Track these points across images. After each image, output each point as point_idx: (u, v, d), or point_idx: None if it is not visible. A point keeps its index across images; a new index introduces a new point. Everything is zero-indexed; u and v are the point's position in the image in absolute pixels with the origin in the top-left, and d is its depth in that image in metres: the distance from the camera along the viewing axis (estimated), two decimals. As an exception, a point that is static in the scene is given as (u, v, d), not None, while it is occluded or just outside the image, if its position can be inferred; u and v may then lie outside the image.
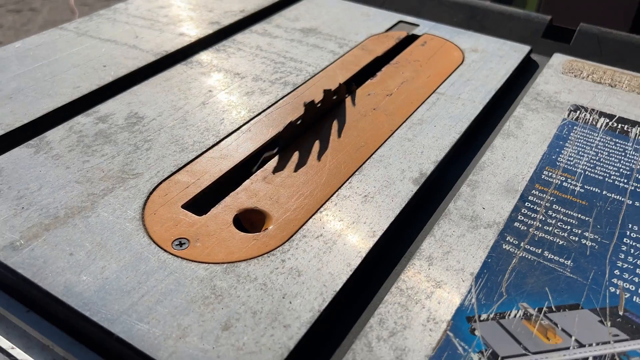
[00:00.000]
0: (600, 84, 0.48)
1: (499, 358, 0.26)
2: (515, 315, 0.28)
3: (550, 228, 0.33)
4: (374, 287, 0.30)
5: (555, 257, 0.31)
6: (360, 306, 0.29)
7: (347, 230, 0.32)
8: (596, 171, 0.38)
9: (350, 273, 0.29)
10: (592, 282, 0.30)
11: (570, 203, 0.35)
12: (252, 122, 0.41)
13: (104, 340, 0.26)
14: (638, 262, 0.31)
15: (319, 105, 0.41)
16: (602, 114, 0.44)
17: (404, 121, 0.42)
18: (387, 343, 0.26)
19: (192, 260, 0.29)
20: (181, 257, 0.30)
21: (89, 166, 0.36)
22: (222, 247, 0.30)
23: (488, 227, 0.33)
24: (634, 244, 0.32)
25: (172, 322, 0.26)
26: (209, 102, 0.43)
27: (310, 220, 0.33)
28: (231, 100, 0.44)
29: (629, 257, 0.31)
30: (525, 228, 0.33)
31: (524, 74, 0.52)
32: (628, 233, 0.33)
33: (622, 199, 0.35)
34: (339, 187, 0.35)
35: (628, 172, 0.38)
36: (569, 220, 0.34)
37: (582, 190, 0.36)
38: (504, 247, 0.31)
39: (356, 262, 0.30)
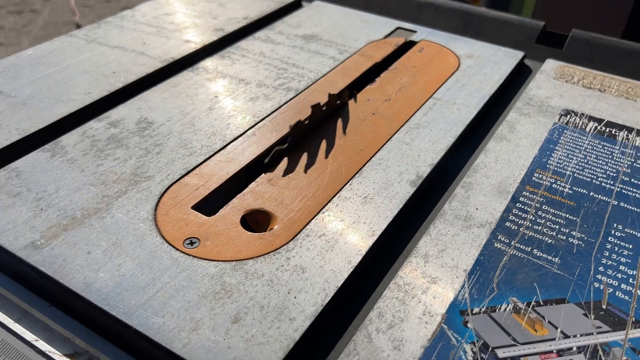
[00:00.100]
0: (590, 89, 0.50)
1: (490, 348, 0.28)
2: (505, 309, 0.30)
3: (540, 227, 0.35)
4: (373, 283, 0.32)
5: (543, 255, 0.33)
6: (360, 301, 0.31)
7: (348, 230, 0.34)
8: (584, 173, 0.40)
9: (351, 270, 0.31)
10: (577, 278, 0.32)
11: (559, 204, 0.37)
12: (256, 126, 0.43)
13: (121, 332, 0.28)
14: (621, 260, 0.33)
15: (324, 108, 0.43)
16: (591, 118, 0.46)
17: (402, 125, 0.44)
18: (386, 334, 0.28)
19: (203, 258, 0.31)
20: (192, 255, 0.32)
21: (102, 169, 0.38)
22: (231, 246, 0.32)
23: (481, 227, 0.35)
24: (618, 242, 0.34)
25: (185, 315, 0.28)
26: (216, 107, 0.45)
27: (313, 220, 0.34)
28: (236, 105, 0.46)
29: (613, 255, 0.33)
30: (516, 227, 0.35)
31: (517, 79, 0.54)
32: (613, 232, 0.35)
33: (608, 200, 0.37)
34: (340, 189, 0.37)
35: (614, 174, 0.40)
36: (557, 220, 0.36)
37: (570, 192, 0.38)
38: (495, 245, 0.33)
39: (356, 259, 0.32)
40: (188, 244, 0.32)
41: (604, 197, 0.37)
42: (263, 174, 0.38)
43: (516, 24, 0.62)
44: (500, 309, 0.30)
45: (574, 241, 0.34)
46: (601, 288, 0.31)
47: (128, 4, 2.29)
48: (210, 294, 0.29)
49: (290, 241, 0.33)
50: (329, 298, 0.29)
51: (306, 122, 0.42)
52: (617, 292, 0.31)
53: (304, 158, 0.40)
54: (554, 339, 0.28)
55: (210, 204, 0.36)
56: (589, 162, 0.41)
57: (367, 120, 0.44)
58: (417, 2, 0.66)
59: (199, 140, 0.41)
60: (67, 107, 0.44)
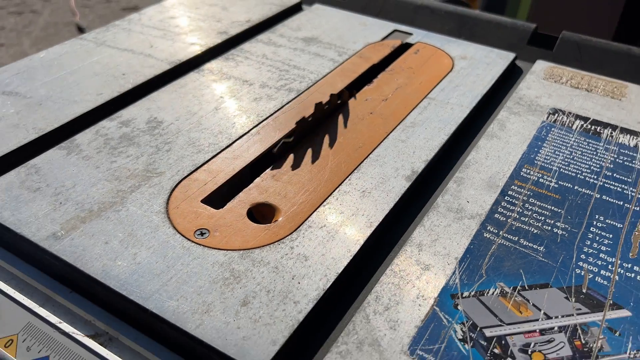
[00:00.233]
0: (578, 88, 0.52)
1: (478, 328, 0.30)
2: (493, 293, 0.32)
3: (526, 219, 0.37)
4: (371, 269, 0.35)
5: (529, 244, 0.35)
6: (359, 286, 0.34)
7: (347, 222, 0.36)
8: (570, 169, 0.42)
9: (350, 258, 0.34)
10: (561, 265, 0.34)
11: (545, 197, 0.39)
12: (260, 125, 0.46)
13: (139, 315, 0.31)
14: (602, 248, 0.35)
15: (326, 106, 0.46)
16: (577, 117, 0.48)
17: (398, 124, 0.46)
18: (383, 316, 0.30)
19: (213, 248, 0.34)
20: (203, 245, 0.34)
21: (116, 166, 0.40)
22: (238, 236, 0.35)
23: (471, 218, 0.37)
24: (599, 232, 0.36)
25: (198, 299, 0.31)
26: (221, 107, 0.48)
27: (315, 212, 0.37)
28: (241, 105, 0.48)
29: (594, 244, 0.36)
30: (504, 219, 0.37)
31: (508, 79, 0.56)
32: (595, 223, 0.37)
33: (591, 193, 0.40)
34: (340, 184, 0.40)
35: (598, 170, 0.42)
36: (543, 212, 0.38)
37: (556, 186, 0.40)
38: (484, 235, 0.36)
39: (355, 248, 0.34)
40: (199, 234, 0.35)
41: (588, 191, 0.40)
42: (267, 170, 0.41)
43: (509, 26, 0.64)
44: (488, 292, 0.32)
45: (558, 231, 0.36)
46: (582, 274, 0.34)
47: (128, 4, 2.31)
48: (220, 280, 0.32)
49: (293, 232, 0.35)
50: (330, 283, 0.32)
51: (309, 119, 0.44)
52: (597, 277, 0.33)
53: (306, 155, 0.42)
54: (537, 320, 0.31)
55: (218, 198, 0.39)
56: (575, 158, 0.43)
57: (365, 119, 0.47)
58: (414, 5, 0.68)
59: (206, 139, 0.44)
60: (80, 107, 0.47)
